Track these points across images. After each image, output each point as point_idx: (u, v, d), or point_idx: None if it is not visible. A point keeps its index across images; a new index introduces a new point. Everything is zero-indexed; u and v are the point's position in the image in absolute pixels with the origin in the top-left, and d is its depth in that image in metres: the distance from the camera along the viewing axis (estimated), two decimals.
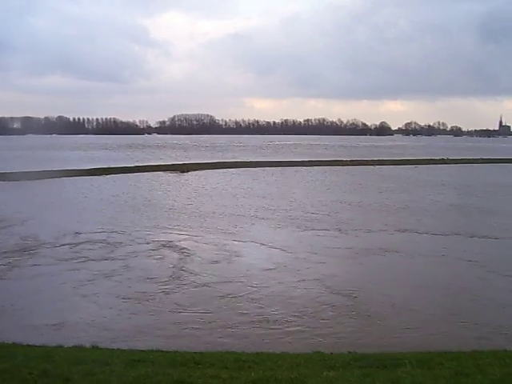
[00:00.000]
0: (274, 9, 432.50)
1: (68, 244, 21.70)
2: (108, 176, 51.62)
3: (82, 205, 33.66)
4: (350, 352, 10.22)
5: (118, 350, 10.36)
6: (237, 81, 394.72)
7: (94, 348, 10.37)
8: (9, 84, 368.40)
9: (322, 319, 13.52)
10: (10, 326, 12.91)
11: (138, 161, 68.55)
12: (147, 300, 14.93)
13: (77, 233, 23.98)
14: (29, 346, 10.24)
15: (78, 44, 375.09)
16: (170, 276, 17.25)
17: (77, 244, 21.76)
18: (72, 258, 19.43)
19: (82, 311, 14.19)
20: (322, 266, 18.68)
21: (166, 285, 16.30)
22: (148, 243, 22.12)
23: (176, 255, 20.09)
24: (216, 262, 19.24)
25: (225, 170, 59.84)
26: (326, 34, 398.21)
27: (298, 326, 13.10)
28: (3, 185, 44.39)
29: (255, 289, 15.97)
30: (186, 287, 16.11)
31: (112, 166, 57.87)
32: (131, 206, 33.43)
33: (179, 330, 12.79)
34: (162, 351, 10.19)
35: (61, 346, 10.30)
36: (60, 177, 49.58)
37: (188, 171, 57.15)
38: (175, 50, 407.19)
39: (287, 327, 13.00)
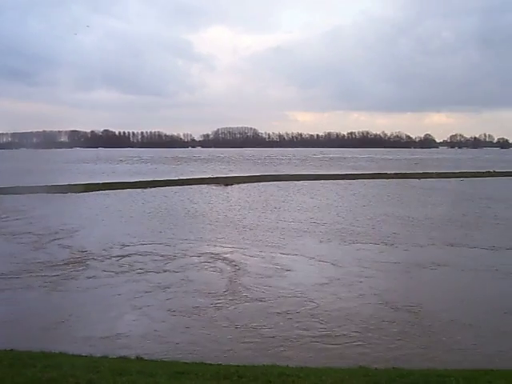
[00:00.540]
0: (316, 22, 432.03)
1: (117, 256, 21.89)
2: (152, 189, 52.16)
3: (126, 217, 34.14)
4: (394, 368, 10.00)
5: (162, 361, 10.37)
6: (279, 94, 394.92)
7: (139, 359, 10.40)
8: (57, 98, 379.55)
9: (385, 336, 13.11)
10: (65, 336, 13.06)
11: (182, 174, 69.09)
12: (199, 314, 14.77)
13: (124, 245, 24.25)
14: (74, 355, 10.33)
15: (124, 59, 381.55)
16: (224, 290, 17.04)
17: (126, 256, 21.96)
18: (123, 271, 19.55)
19: (134, 324, 14.23)
20: (375, 281, 18.38)
21: (219, 299, 16.10)
22: (195, 256, 22.11)
23: (227, 269, 19.95)
24: (268, 276, 18.95)
25: (268, 183, 59.79)
26: (369, 47, 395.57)
27: (360, 342, 12.71)
28: (50, 197, 45.35)
29: (312, 304, 15.63)
30: (240, 302, 15.86)
31: (156, 179, 58.51)
32: (175, 218, 33.64)
33: (232, 346, 12.53)
34: (205, 364, 10.16)
35: (106, 357, 10.36)
36: (105, 189, 50.39)
37: (232, 184, 57.30)
38: (219, 64, 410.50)
39: (347, 344, 12.64)
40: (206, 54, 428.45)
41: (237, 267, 20.13)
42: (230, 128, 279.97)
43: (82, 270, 19.79)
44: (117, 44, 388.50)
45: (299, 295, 16.54)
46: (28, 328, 13.73)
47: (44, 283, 17.88)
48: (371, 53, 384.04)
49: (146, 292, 16.96)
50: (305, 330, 13.57)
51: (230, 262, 21.07)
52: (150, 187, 52.98)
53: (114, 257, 21.80)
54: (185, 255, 22.28)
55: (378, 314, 14.81)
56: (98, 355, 10.56)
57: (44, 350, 10.44)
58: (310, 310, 15.15)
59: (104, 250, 23.07)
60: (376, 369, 9.84)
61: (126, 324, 14.17)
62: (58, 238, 25.91)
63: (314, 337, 13.08)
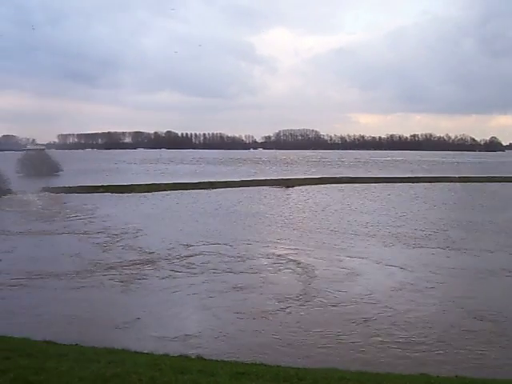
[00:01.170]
0: (379, 23, 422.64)
1: (185, 256, 22.06)
2: (214, 190, 52.59)
3: (187, 217, 34.55)
4: (457, 376, 9.74)
5: (222, 361, 10.35)
6: (341, 96, 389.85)
7: (199, 358, 10.44)
8: (121, 100, 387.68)
9: (468, 345, 12.57)
10: (138, 335, 13.27)
11: (243, 175, 69.40)
12: (269, 318, 14.60)
13: (188, 245, 24.46)
14: (136, 352, 10.44)
15: (187, 61, 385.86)
16: (295, 294, 16.74)
17: (192, 256, 22.15)
18: (194, 272, 19.57)
19: (205, 325, 14.27)
20: (449, 287, 17.96)
21: (291, 303, 15.84)
22: (262, 258, 22.16)
23: (295, 272, 19.72)
24: (338, 280, 18.60)
25: (329, 185, 59.39)
26: (432, 48, 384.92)
27: (441, 351, 12.27)
28: (115, 197, 46.60)
29: (389, 310, 15.22)
30: (312, 307, 15.56)
31: (218, 180, 59.01)
32: (235, 219, 33.95)
33: (307, 352, 12.29)
34: (265, 365, 10.11)
35: (167, 355, 10.44)
36: (168, 190, 51.12)
37: (293, 186, 57.14)
38: (280, 65, 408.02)
39: (428, 352, 12.23)
40: (267, 56, 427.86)
41: (306, 270, 19.89)
42: (291, 130, 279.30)
43: (151, 269, 19.99)
44: (179, 46, 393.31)
45: (373, 301, 16.14)
46: (100, 325, 14.03)
47: (115, 282, 18.16)
48: (434, 53, 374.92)
49: (220, 292, 17.02)
50: (383, 337, 13.20)
51: (297, 264, 20.83)
52: (212, 188, 53.43)
53: (182, 257, 21.99)
54: (252, 256, 22.31)
55: (458, 322, 14.33)
56: (160, 353, 10.65)
57: (108, 346, 10.62)
58: (388, 316, 14.72)
59: (170, 250, 23.37)
60: (438, 376, 9.60)
61: (197, 324, 14.24)
62: (124, 238, 26.35)
63: (394, 343, 12.74)
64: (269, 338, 13.20)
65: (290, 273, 19.63)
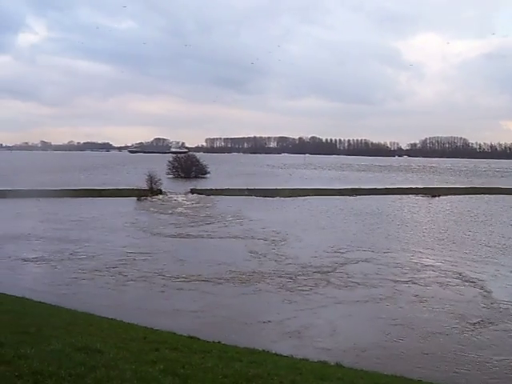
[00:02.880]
0: None
1: (340, 264, 21.75)
2: (357, 196, 52.18)
3: (330, 223, 34.73)
4: None
5: (362, 370, 10.22)
6: (491, 102, 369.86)
7: (338, 366, 10.38)
8: (267, 106, 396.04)
9: None
10: (308, 343, 13.30)
11: (387, 182, 68.19)
12: (439, 338, 13.81)
13: (336, 252, 24.28)
14: (277, 354, 10.57)
15: (331, 67, 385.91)
16: (473, 314, 15.67)
17: (346, 264, 21.83)
18: (354, 282, 19.09)
19: (373, 339, 13.83)
20: None
21: (471, 324, 14.78)
22: (421, 269, 21.35)
23: (464, 287, 18.71)
24: None
25: (478, 195, 56.72)
26: None
27: None
28: (259, 200, 47.80)
29: None
30: (498, 330, 14.40)
31: (361, 187, 58.45)
32: (374, 226, 33.64)
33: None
34: (405, 378, 9.91)
35: (306, 359, 10.48)
36: (312, 195, 51.38)
37: (439, 195, 55.30)
38: (427, 71, 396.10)
39: None
40: (414, 61, 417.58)
41: (476, 286, 18.81)
42: (438, 137, 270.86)
43: (313, 277, 19.62)
44: (324, 53, 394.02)
45: None
46: (270, 332, 14.24)
47: (279, 290, 18.00)
48: None
49: (388, 306, 16.59)
50: None
51: (464, 278, 19.80)
52: (355, 195, 53.02)
53: (338, 265, 21.63)
54: (407, 266, 21.60)
55: None
56: (299, 357, 10.71)
57: (249, 346, 10.86)
58: None
59: (320, 258, 23.03)
60: None
61: (365, 338, 13.92)
62: (274, 244, 26.25)
63: None
64: (437, 359, 12.43)
65: (460, 288, 18.62)
